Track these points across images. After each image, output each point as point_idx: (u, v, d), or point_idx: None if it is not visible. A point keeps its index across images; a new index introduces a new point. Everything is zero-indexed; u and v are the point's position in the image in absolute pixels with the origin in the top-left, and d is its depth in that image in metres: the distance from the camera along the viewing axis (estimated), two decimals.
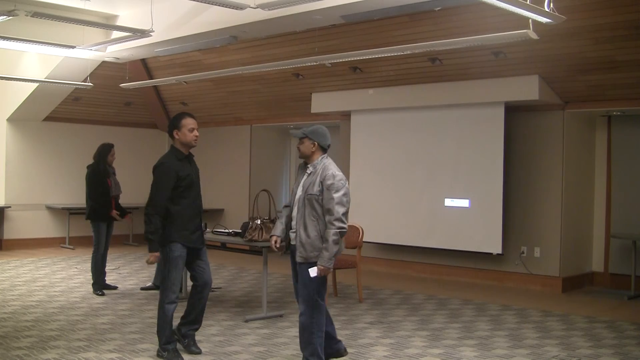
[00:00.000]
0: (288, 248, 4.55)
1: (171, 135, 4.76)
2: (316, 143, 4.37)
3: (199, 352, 4.87)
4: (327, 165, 4.34)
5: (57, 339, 5.19)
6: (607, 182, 8.45)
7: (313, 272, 4.24)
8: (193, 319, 4.93)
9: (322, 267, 4.22)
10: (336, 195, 4.21)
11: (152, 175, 4.74)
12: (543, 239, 8.12)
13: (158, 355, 4.77)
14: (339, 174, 4.31)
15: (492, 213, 8.11)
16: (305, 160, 4.48)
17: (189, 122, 4.70)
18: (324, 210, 4.26)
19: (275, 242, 4.60)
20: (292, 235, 4.44)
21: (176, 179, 4.64)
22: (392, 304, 6.94)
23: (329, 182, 4.24)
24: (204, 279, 4.93)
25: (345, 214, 4.24)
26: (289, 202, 4.58)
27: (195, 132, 4.72)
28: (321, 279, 4.31)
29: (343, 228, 4.21)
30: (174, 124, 4.72)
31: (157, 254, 4.68)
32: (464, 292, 7.73)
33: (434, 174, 8.68)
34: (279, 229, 4.59)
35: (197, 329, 5.00)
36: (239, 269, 9.24)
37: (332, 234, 4.19)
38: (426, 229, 8.72)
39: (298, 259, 4.31)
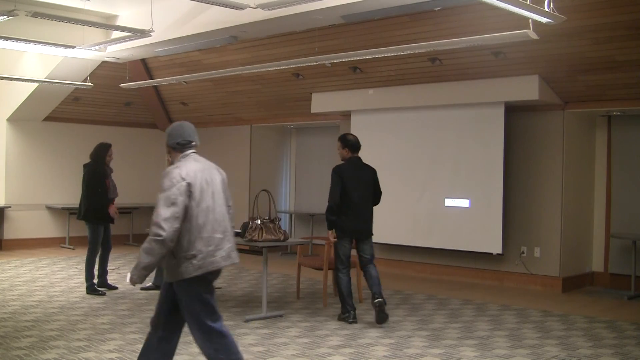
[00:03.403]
0: None
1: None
2: (166, 145, 3.78)
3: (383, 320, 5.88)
4: (174, 165, 3.66)
5: (57, 339, 5.19)
6: (607, 182, 8.45)
7: (127, 277, 3.57)
8: (372, 291, 5.95)
9: (130, 276, 3.52)
10: (161, 195, 3.49)
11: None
12: (543, 239, 8.12)
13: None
14: (176, 171, 3.55)
15: (492, 213, 8.11)
16: None
17: None
18: None
19: None
20: None
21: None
22: (392, 304, 6.93)
23: (160, 180, 3.57)
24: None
25: (170, 219, 3.42)
26: None
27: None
28: (197, 317, 3.56)
29: (158, 235, 3.39)
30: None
31: None
32: (464, 292, 7.73)
33: (434, 174, 8.68)
34: None
35: (379, 300, 5.87)
36: (239, 269, 9.24)
37: (146, 241, 3.46)
38: (426, 229, 8.72)
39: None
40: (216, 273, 3.68)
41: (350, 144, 6.23)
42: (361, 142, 8.62)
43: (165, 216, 3.42)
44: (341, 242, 6.07)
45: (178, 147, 3.72)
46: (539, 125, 8.20)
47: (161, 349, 3.66)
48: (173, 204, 3.45)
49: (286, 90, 10.08)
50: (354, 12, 6.52)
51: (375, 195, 6.28)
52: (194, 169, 3.61)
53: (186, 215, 3.50)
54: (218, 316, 3.63)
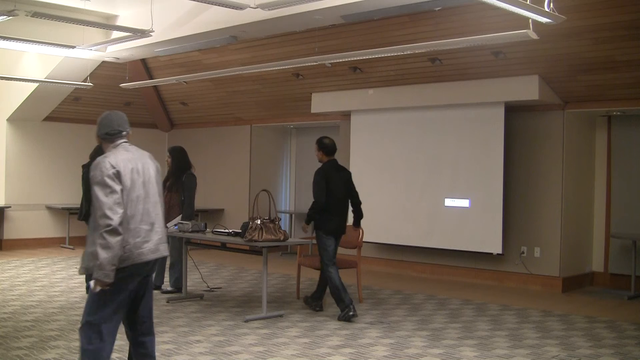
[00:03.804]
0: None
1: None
2: (97, 136, 3.71)
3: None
4: (103, 155, 3.57)
5: (57, 339, 5.19)
6: (607, 182, 8.45)
7: (92, 284, 3.41)
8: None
9: (95, 279, 3.38)
10: (96, 188, 3.41)
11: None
12: (543, 239, 8.12)
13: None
14: (106, 160, 3.49)
15: (492, 213, 8.11)
16: None
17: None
18: None
19: None
20: None
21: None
22: (392, 304, 6.94)
23: (91, 173, 3.47)
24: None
25: (114, 207, 3.37)
26: None
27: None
28: (99, 299, 3.43)
29: (108, 225, 3.33)
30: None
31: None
32: (464, 292, 7.73)
33: (434, 174, 8.68)
34: None
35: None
36: (239, 269, 9.24)
37: (97, 237, 3.36)
38: (426, 229, 8.72)
39: (80, 271, 3.66)
40: (142, 267, 3.53)
41: (325, 147, 6.53)
42: (361, 142, 8.66)
43: (109, 205, 3.36)
44: (327, 239, 6.35)
45: (108, 138, 3.67)
46: (539, 125, 8.20)
47: (135, 350, 3.67)
48: (112, 192, 3.40)
49: (286, 90, 10.08)
50: (354, 12, 6.52)
51: (352, 196, 6.64)
52: (123, 158, 3.56)
53: None
54: (112, 320, 3.47)
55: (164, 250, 3.67)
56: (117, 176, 3.45)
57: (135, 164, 3.59)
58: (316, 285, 6.73)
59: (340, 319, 6.11)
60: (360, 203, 6.68)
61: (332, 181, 6.38)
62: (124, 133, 3.71)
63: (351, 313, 6.05)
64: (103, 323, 3.44)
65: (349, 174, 6.67)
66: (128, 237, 3.45)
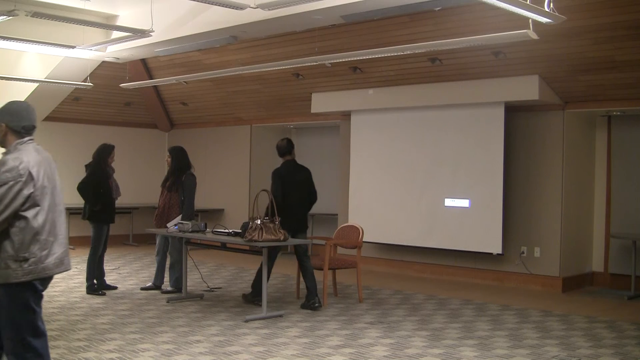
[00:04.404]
0: None
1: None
2: (3, 125, 3.31)
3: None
4: (13, 153, 3.25)
5: (57, 339, 5.19)
6: (607, 182, 8.44)
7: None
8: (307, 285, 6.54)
9: None
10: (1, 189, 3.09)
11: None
12: (543, 239, 8.12)
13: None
14: (15, 164, 3.16)
15: (492, 213, 8.11)
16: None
17: None
18: None
19: None
20: None
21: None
22: (392, 304, 6.94)
23: (2, 168, 3.15)
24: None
25: (4, 218, 3.09)
26: None
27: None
28: (13, 320, 3.18)
29: None
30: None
31: None
32: (464, 292, 7.73)
33: (434, 174, 8.68)
34: None
35: (315, 305, 6.47)
36: (239, 269, 9.24)
37: None
38: (426, 229, 8.72)
39: None
40: (46, 281, 3.31)
41: (277, 148, 6.95)
42: (361, 142, 8.63)
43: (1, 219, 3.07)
44: None
45: (22, 132, 3.31)
46: (539, 125, 8.20)
47: None
48: (12, 200, 3.09)
49: (286, 90, 10.08)
50: (354, 12, 6.52)
51: (310, 193, 6.85)
52: (37, 161, 3.25)
53: (22, 214, 3.14)
54: (41, 331, 3.24)
55: (68, 264, 3.40)
56: (30, 183, 3.17)
57: (46, 168, 3.29)
58: (306, 287, 6.67)
59: (248, 301, 6.63)
60: (314, 202, 6.91)
61: (287, 180, 6.64)
62: (35, 130, 3.39)
63: (261, 303, 6.29)
64: (31, 337, 3.19)
65: (308, 172, 6.90)
66: (36, 250, 3.18)
